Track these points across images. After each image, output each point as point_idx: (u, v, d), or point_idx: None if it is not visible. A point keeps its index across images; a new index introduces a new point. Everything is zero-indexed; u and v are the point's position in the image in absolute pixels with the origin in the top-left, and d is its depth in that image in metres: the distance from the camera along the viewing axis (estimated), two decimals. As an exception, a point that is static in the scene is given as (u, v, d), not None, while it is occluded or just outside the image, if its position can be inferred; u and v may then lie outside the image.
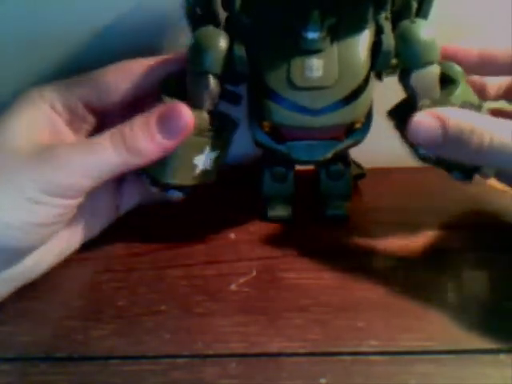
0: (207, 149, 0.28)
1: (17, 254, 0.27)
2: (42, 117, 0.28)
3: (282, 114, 0.27)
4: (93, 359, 0.26)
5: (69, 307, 0.28)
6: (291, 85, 0.26)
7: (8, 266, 0.27)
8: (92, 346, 0.26)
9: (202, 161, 0.28)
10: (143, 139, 0.26)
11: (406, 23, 0.27)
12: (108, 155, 0.26)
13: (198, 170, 0.28)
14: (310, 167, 0.34)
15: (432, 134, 0.26)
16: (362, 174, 0.36)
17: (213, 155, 0.28)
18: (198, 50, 0.27)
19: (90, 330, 0.27)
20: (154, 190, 0.29)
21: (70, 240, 0.30)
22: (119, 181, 0.32)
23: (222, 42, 0.27)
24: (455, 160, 0.27)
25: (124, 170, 0.27)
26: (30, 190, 0.25)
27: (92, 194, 0.28)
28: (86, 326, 0.27)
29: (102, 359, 0.26)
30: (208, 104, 0.28)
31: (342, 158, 0.32)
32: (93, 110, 0.30)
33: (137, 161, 0.26)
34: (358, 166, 0.36)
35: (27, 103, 0.28)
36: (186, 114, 0.26)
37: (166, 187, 0.28)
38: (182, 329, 0.27)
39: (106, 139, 0.26)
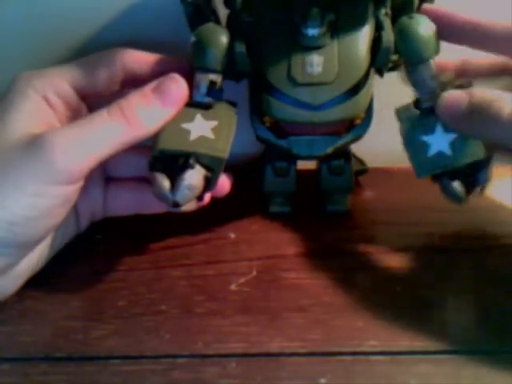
0: (199, 118, 0.27)
1: (24, 249, 0.26)
2: (37, 111, 0.27)
3: (283, 110, 0.27)
4: (93, 359, 0.26)
5: (69, 307, 0.28)
6: (292, 81, 0.26)
7: (17, 261, 0.26)
8: (92, 346, 0.26)
9: (194, 127, 0.27)
10: (140, 107, 0.26)
11: (404, 19, 0.27)
12: (106, 129, 0.25)
13: (193, 136, 0.27)
14: (312, 164, 0.34)
15: (458, 104, 0.26)
16: (363, 169, 0.36)
17: (209, 124, 0.27)
18: (199, 47, 0.27)
19: (90, 330, 0.27)
20: (165, 187, 0.26)
21: (64, 233, 0.30)
22: (108, 183, 0.32)
23: (223, 39, 0.27)
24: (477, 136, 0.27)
25: (124, 144, 0.26)
26: (29, 185, 0.24)
27: (82, 190, 0.27)
28: (86, 325, 0.27)
29: (102, 359, 0.26)
30: (194, 95, 0.28)
31: (344, 153, 0.32)
32: (84, 98, 0.29)
33: (136, 132, 0.26)
34: (361, 161, 0.36)
35: (21, 98, 0.27)
36: (181, 80, 0.27)
37: (161, 161, 0.26)
38: (182, 329, 0.27)
39: (103, 113, 0.26)
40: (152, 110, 0.26)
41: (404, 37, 0.27)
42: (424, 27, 0.27)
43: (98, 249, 0.32)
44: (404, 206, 0.34)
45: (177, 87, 0.27)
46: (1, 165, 0.25)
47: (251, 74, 0.28)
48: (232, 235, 0.33)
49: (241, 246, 0.32)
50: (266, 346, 0.26)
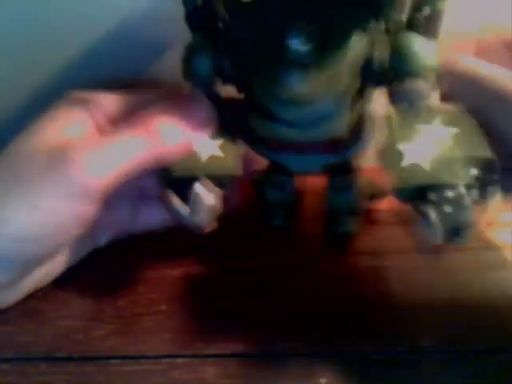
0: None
1: (30, 266, 0.26)
2: (78, 126, 0.26)
3: (267, 128, 0.26)
4: (93, 359, 0.26)
5: (69, 307, 0.28)
6: (275, 98, 0.25)
7: (20, 277, 0.26)
8: (92, 346, 0.26)
9: (201, 146, 0.27)
10: (165, 125, 0.25)
11: (400, 36, 0.25)
12: (129, 144, 0.24)
13: (203, 157, 0.27)
14: (320, 179, 0.33)
15: None
16: (379, 193, 0.34)
17: (215, 143, 0.27)
18: (186, 61, 0.27)
19: (90, 330, 0.27)
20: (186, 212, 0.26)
21: (78, 250, 0.29)
22: (139, 200, 0.31)
23: (208, 52, 0.26)
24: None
25: (146, 163, 0.25)
26: (42, 200, 0.23)
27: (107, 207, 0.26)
28: (86, 325, 0.27)
29: (101, 359, 0.26)
30: None
31: (346, 169, 0.31)
32: None
33: (158, 150, 0.25)
34: (376, 185, 0.34)
35: (68, 108, 0.26)
36: (207, 104, 0.26)
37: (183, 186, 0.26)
38: (182, 329, 0.27)
39: (126, 128, 0.25)
40: (176, 129, 0.25)
41: (395, 50, 0.25)
42: (421, 43, 0.25)
43: (98, 249, 0.32)
44: (404, 206, 0.34)
45: (202, 110, 0.26)
46: (16, 176, 0.24)
47: (237, 88, 0.27)
48: (232, 235, 0.33)
49: (241, 246, 0.32)
50: (266, 346, 0.26)
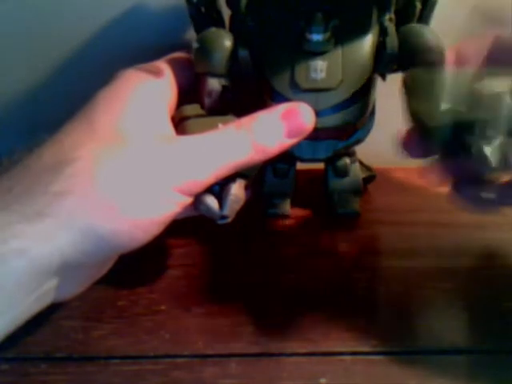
0: (222, 127, 0.27)
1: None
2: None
3: None
4: (93, 359, 0.26)
5: (69, 307, 0.28)
6: (295, 86, 0.26)
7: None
8: (92, 346, 0.26)
9: None
10: (270, 135, 0.25)
11: (409, 26, 0.27)
12: (235, 150, 0.25)
13: None
14: (320, 165, 0.34)
15: None
16: (371, 176, 0.35)
17: None
18: (204, 53, 0.27)
19: (90, 330, 0.27)
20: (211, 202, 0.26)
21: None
22: None
23: (227, 43, 0.27)
24: None
25: (237, 168, 0.25)
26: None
27: None
28: (85, 326, 0.27)
29: (101, 359, 0.26)
30: (208, 103, 0.28)
31: (348, 153, 0.32)
32: None
33: (257, 157, 0.25)
34: (368, 168, 0.35)
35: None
36: (311, 113, 0.26)
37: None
38: (182, 329, 0.27)
39: (232, 132, 0.25)
40: (278, 141, 0.25)
41: (408, 34, 0.26)
42: (428, 30, 0.26)
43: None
44: (404, 206, 0.34)
45: (305, 120, 0.26)
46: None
47: (254, 77, 0.28)
48: (232, 235, 0.33)
49: (241, 246, 0.32)
50: (266, 346, 0.26)
